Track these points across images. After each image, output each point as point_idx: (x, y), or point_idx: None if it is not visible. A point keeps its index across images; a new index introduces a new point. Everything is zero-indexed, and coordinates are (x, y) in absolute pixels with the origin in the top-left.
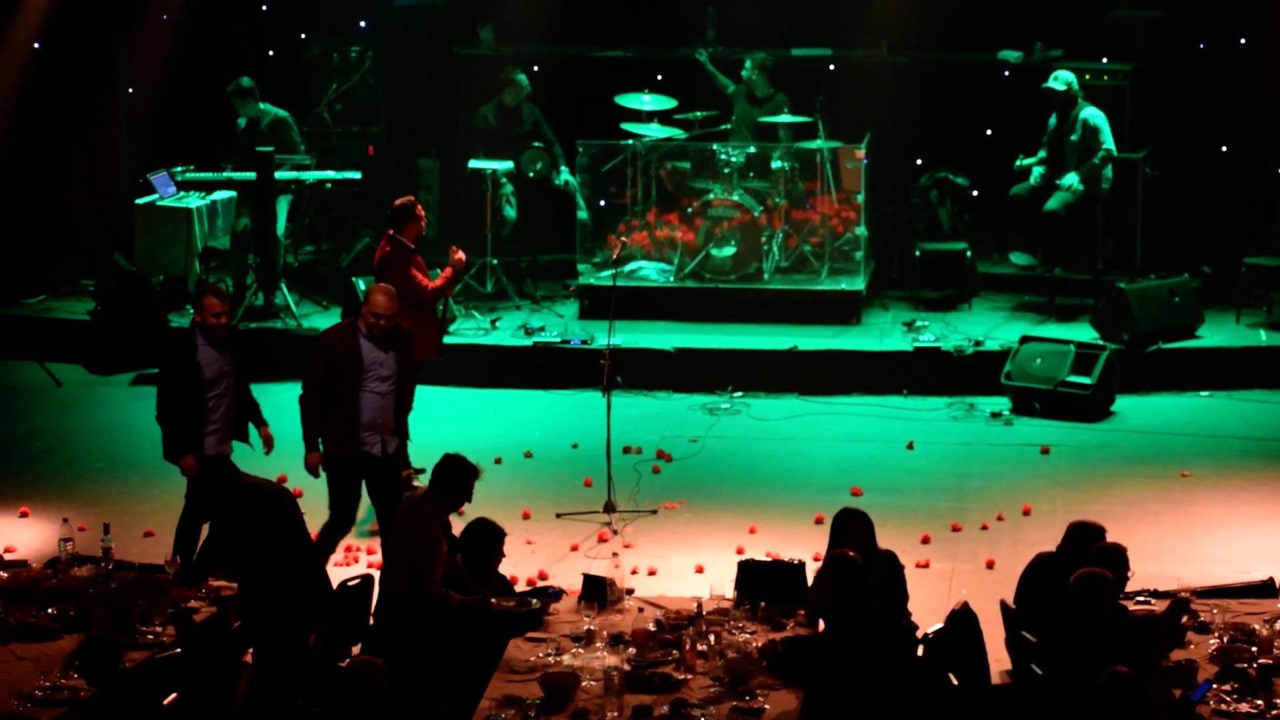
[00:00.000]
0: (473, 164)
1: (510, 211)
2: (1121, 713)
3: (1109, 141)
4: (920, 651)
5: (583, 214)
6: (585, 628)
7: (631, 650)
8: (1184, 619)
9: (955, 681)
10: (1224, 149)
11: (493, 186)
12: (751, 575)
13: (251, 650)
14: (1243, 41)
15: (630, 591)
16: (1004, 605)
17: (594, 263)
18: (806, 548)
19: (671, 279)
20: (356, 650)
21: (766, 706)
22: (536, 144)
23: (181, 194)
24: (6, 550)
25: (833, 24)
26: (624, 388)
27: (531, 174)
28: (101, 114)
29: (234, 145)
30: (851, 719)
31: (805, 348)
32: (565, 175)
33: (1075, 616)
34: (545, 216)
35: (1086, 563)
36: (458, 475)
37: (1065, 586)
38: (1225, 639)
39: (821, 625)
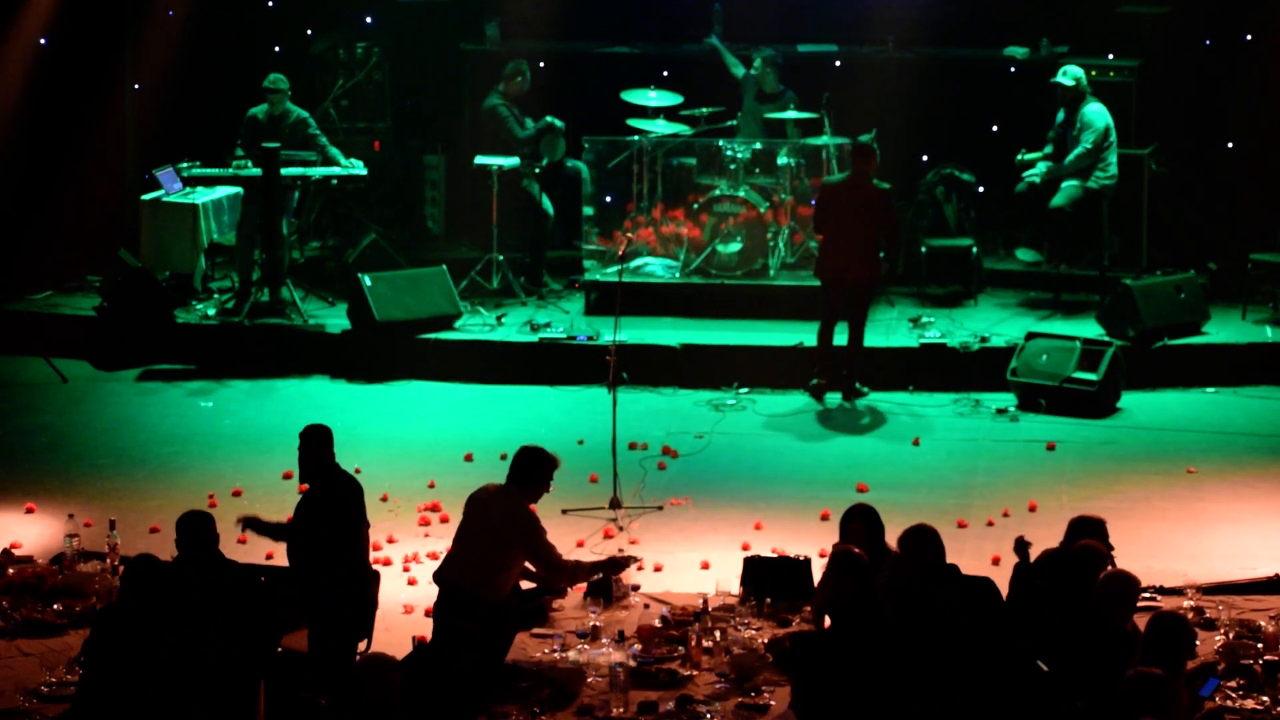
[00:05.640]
0: (478, 160)
1: (548, 207)
2: (1143, 713)
3: (1088, 143)
4: None
5: (589, 209)
6: (591, 623)
7: (637, 646)
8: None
9: None
10: (1230, 145)
11: (500, 183)
12: (757, 571)
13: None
14: (1249, 38)
15: (636, 587)
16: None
17: (599, 258)
18: (812, 544)
19: (677, 275)
20: (363, 646)
21: (772, 703)
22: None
23: (187, 190)
24: (13, 546)
25: (839, 20)
26: (630, 384)
27: (544, 163)
28: (107, 110)
29: (256, 138)
30: (851, 714)
31: (811, 344)
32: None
33: (1097, 612)
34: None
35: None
36: (538, 466)
37: (1084, 583)
38: (1231, 635)
39: (827, 621)
